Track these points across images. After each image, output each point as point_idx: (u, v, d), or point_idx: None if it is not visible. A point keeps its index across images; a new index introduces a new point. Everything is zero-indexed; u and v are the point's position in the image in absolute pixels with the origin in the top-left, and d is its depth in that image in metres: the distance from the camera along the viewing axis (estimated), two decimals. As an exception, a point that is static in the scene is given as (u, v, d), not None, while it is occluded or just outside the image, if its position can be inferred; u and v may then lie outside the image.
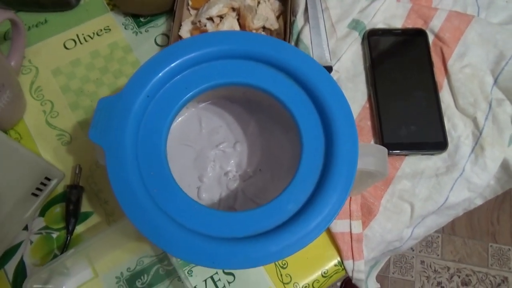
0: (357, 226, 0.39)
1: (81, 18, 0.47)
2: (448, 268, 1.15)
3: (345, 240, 0.39)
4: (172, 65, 0.29)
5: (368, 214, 0.40)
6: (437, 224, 0.44)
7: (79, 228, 0.39)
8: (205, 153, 0.38)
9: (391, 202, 0.41)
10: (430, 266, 1.15)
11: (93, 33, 0.47)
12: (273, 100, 0.31)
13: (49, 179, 0.37)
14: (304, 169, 0.28)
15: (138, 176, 0.27)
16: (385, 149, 0.30)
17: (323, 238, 0.40)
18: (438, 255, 1.16)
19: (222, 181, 0.37)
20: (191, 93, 0.30)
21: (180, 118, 0.39)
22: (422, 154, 0.43)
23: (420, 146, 0.42)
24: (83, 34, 0.46)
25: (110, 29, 0.47)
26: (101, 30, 0.47)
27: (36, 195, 0.37)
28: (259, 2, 0.47)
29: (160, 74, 0.29)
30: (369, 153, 0.29)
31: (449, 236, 1.18)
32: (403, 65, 0.46)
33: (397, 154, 0.42)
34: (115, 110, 0.28)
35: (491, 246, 1.17)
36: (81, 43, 0.46)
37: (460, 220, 1.19)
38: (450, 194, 0.41)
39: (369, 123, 0.44)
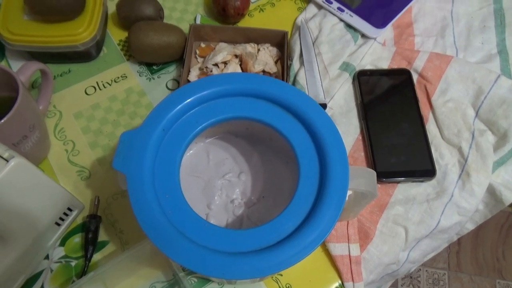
0: (355, 249, 0.42)
1: (100, 67, 0.53)
2: (458, 306, 1.13)
3: (344, 262, 0.42)
4: (185, 102, 0.34)
5: (365, 237, 0.43)
6: (432, 248, 0.47)
7: (96, 257, 0.42)
8: (212, 183, 0.41)
9: (386, 226, 0.44)
10: (439, 304, 1.14)
11: (111, 80, 0.52)
12: (274, 134, 0.36)
13: (71, 210, 0.41)
14: (301, 192, 0.32)
15: (155, 199, 0.31)
16: (374, 172, 0.33)
17: (324, 261, 0.43)
18: (446, 293, 1.15)
19: (228, 208, 0.41)
20: (201, 126, 0.34)
21: (189, 152, 0.43)
22: (413, 181, 0.46)
23: (411, 173, 0.46)
24: (102, 81, 0.52)
25: (126, 76, 0.52)
26: (118, 77, 0.52)
27: (59, 224, 0.40)
28: (259, 50, 0.53)
29: (173, 111, 0.33)
30: (359, 175, 0.32)
31: (456, 273, 1.17)
32: (391, 101, 0.51)
33: (390, 182, 0.46)
34: (135, 141, 0.32)
35: (498, 283, 1.16)
36: (100, 89, 0.51)
37: (466, 256, 1.19)
38: (441, 218, 0.44)
39: (362, 154, 0.48)
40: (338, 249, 0.42)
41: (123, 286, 0.41)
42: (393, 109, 0.50)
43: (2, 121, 0.37)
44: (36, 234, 0.37)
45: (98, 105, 0.51)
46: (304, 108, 0.34)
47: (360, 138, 0.49)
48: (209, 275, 0.28)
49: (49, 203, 0.37)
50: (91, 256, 0.41)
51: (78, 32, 0.48)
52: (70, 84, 0.52)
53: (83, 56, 0.51)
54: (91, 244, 0.41)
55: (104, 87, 0.52)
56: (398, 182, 0.46)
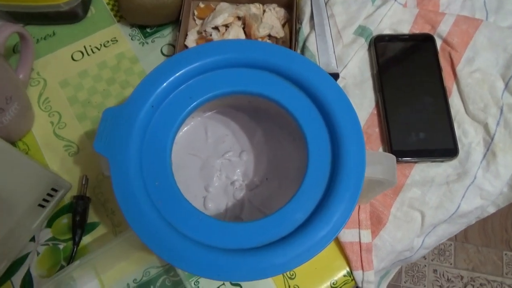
0: (366, 236, 0.38)
1: (88, 30, 0.48)
2: (462, 277, 1.12)
3: (354, 250, 0.38)
4: (177, 74, 0.29)
5: (377, 223, 0.40)
6: (449, 233, 0.43)
7: (86, 239, 0.39)
8: (211, 162, 0.37)
9: (401, 210, 0.40)
10: (443, 275, 1.13)
11: (100, 45, 0.47)
12: (279, 108, 0.31)
13: (56, 190, 0.37)
14: (311, 178, 0.28)
15: (142, 187, 0.27)
16: (394, 157, 0.29)
17: (331, 248, 0.39)
18: (451, 264, 1.13)
19: (228, 190, 0.37)
20: (195, 103, 0.30)
21: (186, 128, 0.38)
22: (432, 161, 0.42)
23: (430, 153, 0.42)
24: (90, 46, 0.47)
25: (117, 40, 0.47)
26: (108, 41, 0.47)
27: (43, 206, 0.37)
28: (264, 11, 0.47)
29: (164, 84, 0.29)
30: (377, 161, 0.28)
31: (462, 244, 1.15)
32: (411, 70, 0.45)
33: (407, 162, 0.42)
34: (120, 120, 0.28)
35: (505, 254, 1.14)
36: (88, 55, 0.46)
37: (473, 227, 1.17)
38: (462, 202, 0.40)
39: (377, 130, 0.44)
40: (347, 235, 0.39)
41: (115, 272, 0.38)
42: (413, 80, 0.45)
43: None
44: (16, 218, 0.34)
45: (86, 72, 0.46)
46: (314, 81, 0.30)
47: (375, 112, 0.45)
48: (203, 275, 0.25)
49: (30, 184, 0.33)
50: (79, 240, 0.38)
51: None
52: (55, 48, 0.47)
53: (68, 16, 0.46)
54: (79, 227, 0.38)
55: (93, 52, 0.47)
56: (416, 162, 0.42)
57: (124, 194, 0.26)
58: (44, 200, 0.36)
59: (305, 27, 0.47)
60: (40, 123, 0.43)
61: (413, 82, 0.45)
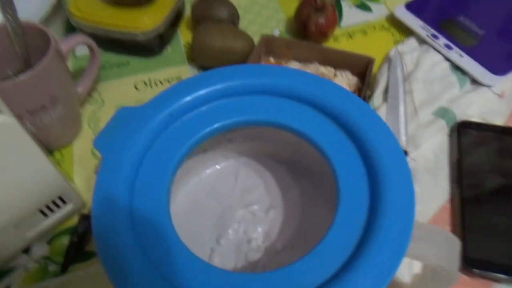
0: None
1: (159, 65, 0.48)
2: None
3: None
4: (203, 91, 0.26)
5: None
6: None
7: (78, 267, 0.34)
8: (231, 211, 0.32)
9: None
10: None
11: (164, 79, 0.47)
12: (325, 167, 0.25)
13: (64, 202, 0.34)
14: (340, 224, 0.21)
15: (127, 197, 0.22)
16: (457, 240, 0.21)
17: None
18: None
19: (242, 248, 0.30)
20: (218, 125, 0.25)
21: (216, 166, 0.34)
22: (521, 286, 0.31)
23: (519, 273, 0.31)
24: (154, 79, 0.47)
25: (181, 78, 0.47)
26: (172, 78, 0.47)
27: (45, 214, 0.34)
28: (335, 75, 0.44)
29: (191, 97, 0.26)
30: (429, 239, 0.20)
31: None
32: (502, 168, 0.37)
33: (484, 276, 0.31)
34: (131, 120, 0.24)
35: None
36: (150, 87, 0.47)
37: None
38: None
39: (448, 227, 0.35)
40: None
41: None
42: (505, 180, 0.36)
43: (19, 78, 0.32)
44: (9, 216, 0.31)
45: (142, 101, 0.45)
46: (360, 121, 0.24)
47: (448, 207, 0.36)
48: None
49: (33, 181, 0.30)
50: (68, 264, 0.34)
51: (141, 20, 0.44)
52: (123, 75, 0.48)
53: (143, 49, 0.48)
54: (72, 250, 0.34)
55: (156, 85, 0.47)
56: (498, 280, 0.31)
57: (104, 196, 0.21)
58: (48, 208, 0.33)
59: (377, 98, 0.42)
60: (83, 140, 0.43)
61: (504, 182, 0.36)
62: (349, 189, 0.22)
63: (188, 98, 0.26)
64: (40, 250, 0.36)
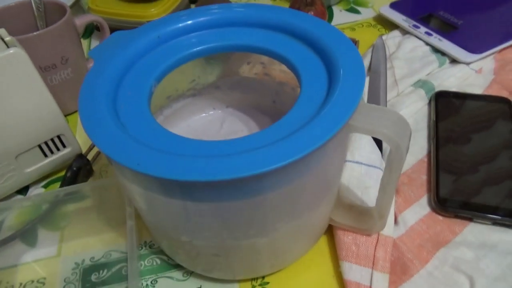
0: (380, 280, 0.28)
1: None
2: None
3: (360, 295, 0.28)
4: (190, 21, 0.29)
5: (401, 272, 0.29)
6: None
7: (70, 208, 0.37)
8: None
9: (441, 270, 0.29)
10: None
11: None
12: None
13: (63, 144, 0.37)
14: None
15: (112, 89, 0.25)
16: (407, 122, 0.22)
17: (329, 285, 0.29)
18: None
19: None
20: (200, 48, 0.29)
21: (203, 115, 0.37)
22: (494, 223, 0.31)
23: (493, 210, 0.31)
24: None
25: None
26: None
27: (45, 154, 0.36)
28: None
29: (179, 25, 0.29)
30: (382, 115, 0.22)
31: None
32: (478, 131, 0.38)
33: (457, 215, 0.32)
34: (123, 39, 0.28)
35: None
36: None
37: None
38: (539, 284, 0.28)
39: (424, 177, 0.36)
40: (355, 273, 0.28)
41: (79, 243, 0.34)
42: (479, 141, 0.37)
43: (35, 33, 0.37)
44: (8, 144, 0.34)
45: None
46: (322, 35, 0.27)
47: (425, 160, 0.37)
48: (164, 175, 0.19)
49: (36, 112, 0.34)
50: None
51: (149, 10, 0.50)
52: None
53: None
54: (65, 185, 0.36)
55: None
56: (471, 218, 0.32)
57: (90, 87, 0.25)
58: (47, 145, 0.36)
59: (360, 73, 0.45)
60: (89, 110, 0.46)
61: (479, 143, 0.37)
62: (309, 79, 0.24)
63: (176, 26, 0.29)
64: (36, 193, 0.38)
